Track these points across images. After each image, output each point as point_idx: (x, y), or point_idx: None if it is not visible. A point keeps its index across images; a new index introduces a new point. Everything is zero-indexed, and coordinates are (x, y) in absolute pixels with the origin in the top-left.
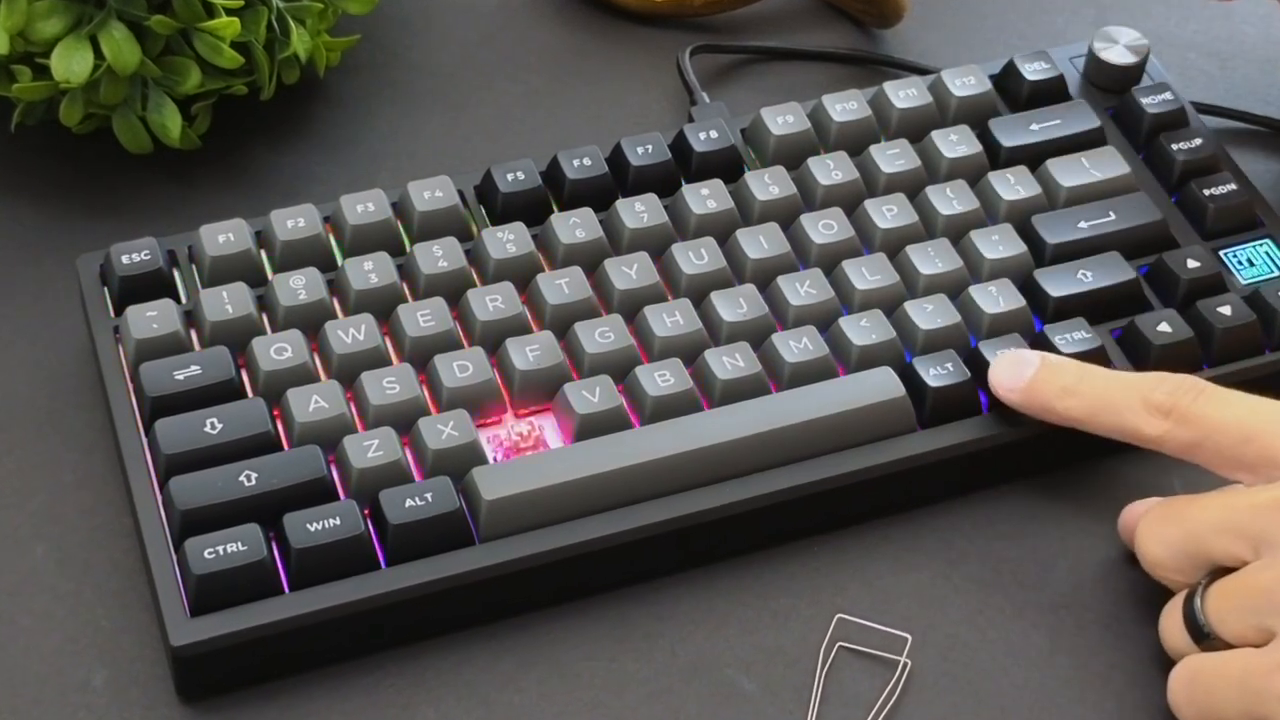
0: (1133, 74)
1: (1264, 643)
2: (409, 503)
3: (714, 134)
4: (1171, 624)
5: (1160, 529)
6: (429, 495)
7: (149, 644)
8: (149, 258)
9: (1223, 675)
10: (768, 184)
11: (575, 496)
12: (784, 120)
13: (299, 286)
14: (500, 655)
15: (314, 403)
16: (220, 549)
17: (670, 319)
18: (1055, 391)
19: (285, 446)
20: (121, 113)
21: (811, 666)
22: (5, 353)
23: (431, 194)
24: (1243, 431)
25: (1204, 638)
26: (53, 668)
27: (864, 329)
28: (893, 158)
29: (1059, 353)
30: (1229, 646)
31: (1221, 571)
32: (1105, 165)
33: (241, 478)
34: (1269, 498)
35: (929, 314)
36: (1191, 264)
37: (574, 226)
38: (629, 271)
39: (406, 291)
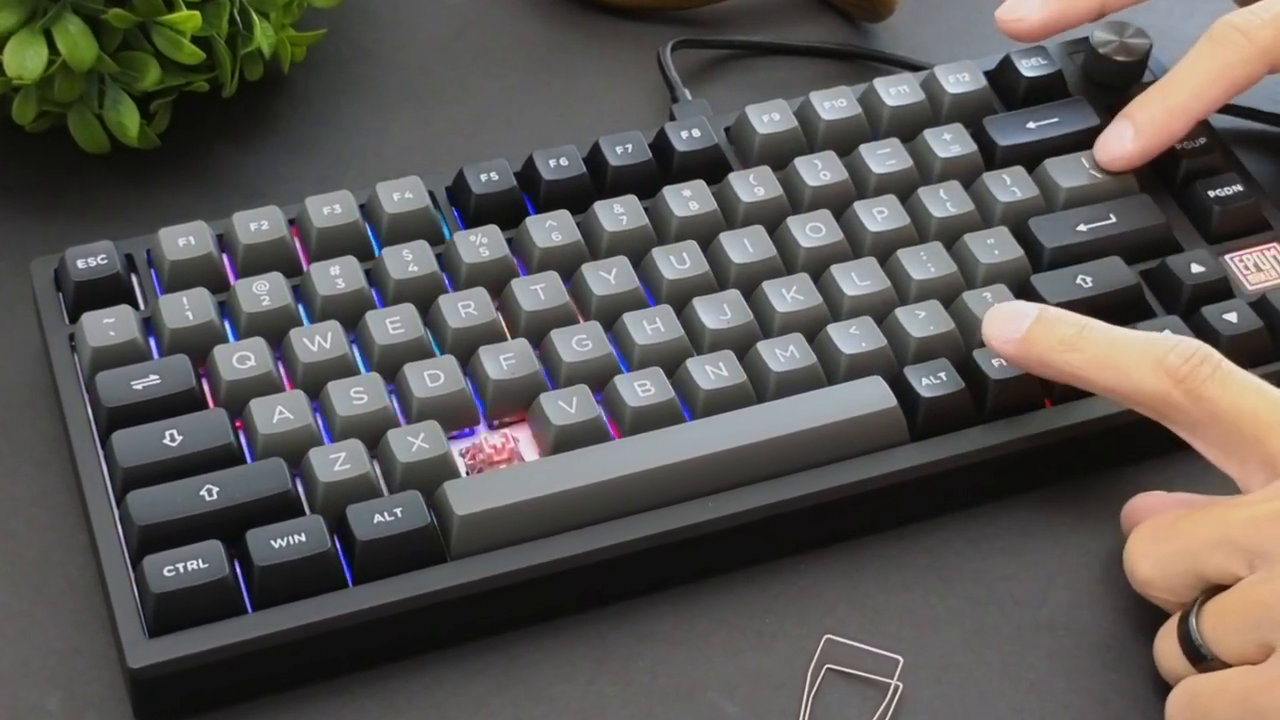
0: (1134, 70)
1: (1263, 659)
2: (377, 518)
3: (696, 133)
4: (1167, 648)
5: (1150, 546)
6: (398, 510)
7: (106, 666)
8: (106, 262)
9: (1223, 696)
10: (752, 185)
11: (551, 512)
12: (770, 118)
13: (262, 292)
14: (472, 677)
15: (278, 413)
16: (180, 567)
17: (651, 326)
18: (1053, 344)
19: (248, 459)
20: (77, 110)
21: (798, 690)
22: None
23: (401, 195)
24: (1255, 428)
25: (1201, 659)
26: (5, 691)
27: (853, 337)
28: (883, 158)
29: None
30: (1227, 667)
31: (1214, 591)
32: None
33: (202, 492)
34: (1267, 510)
35: (921, 321)
36: (1196, 269)
37: (550, 229)
38: (608, 276)
39: (375, 297)
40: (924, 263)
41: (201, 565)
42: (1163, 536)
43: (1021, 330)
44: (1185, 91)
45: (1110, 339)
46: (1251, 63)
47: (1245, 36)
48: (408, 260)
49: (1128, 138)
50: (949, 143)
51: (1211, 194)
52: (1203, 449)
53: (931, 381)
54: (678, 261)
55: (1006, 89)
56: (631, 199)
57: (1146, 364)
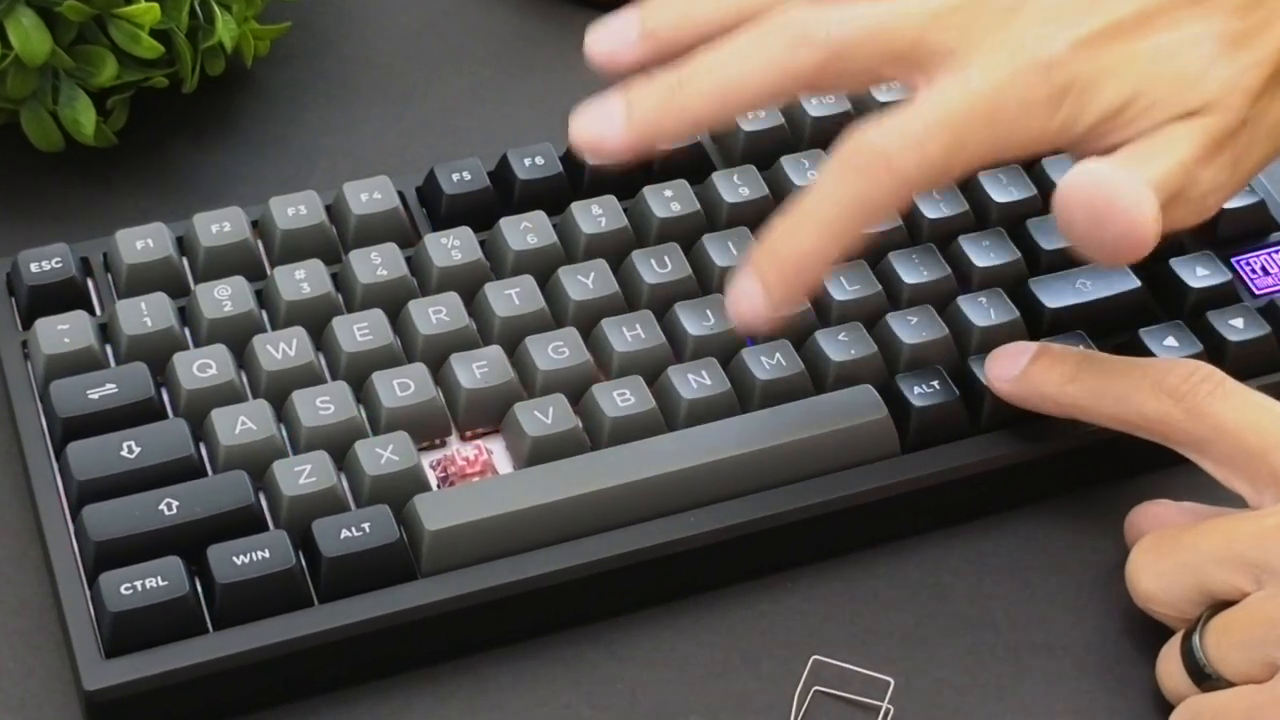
0: None
1: (1268, 678)
2: (344, 533)
3: None
4: (1170, 666)
5: (1154, 561)
6: (366, 525)
7: (60, 688)
8: (60, 265)
9: (1226, 716)
10: (737, 185)
11: (526, 527)
12: (755, 115)
13: (224, 297)
14: (444, 700)
15: (240, 424)
16: (138, 584)
17: (630, 333)
18: (1053, 379)
19: (209, 472)
20: (30, 107)
21: (785, 713)
22: None
23: (369, 196)
24: (1260, 443)
25: (1205, 678)
26: None
27: (842, 343)
28: None
29: None
30: (1232, 686)
31: (1219, 607)
32: None
33: (161, 506)
34: (1275, 524)
35: (913, 327)
36: (1201, 273)
37: (525, 232)
38: (585, 281)
39: (342, 303)
40: (916, 266)
41: (160, 583)
42: (1166, 550)
43: (1020, 367)
44: (814, 232)
45: (1108, 367)
46: (892, 195)
47: (885, 163)
48: (376, 264)
49: (759, 300)
50: None
51: None
52: (1210, 468)
53: (924, 390)
54: (659, 265)
55: None
56: (610, 200)
57: (1145, 386)
